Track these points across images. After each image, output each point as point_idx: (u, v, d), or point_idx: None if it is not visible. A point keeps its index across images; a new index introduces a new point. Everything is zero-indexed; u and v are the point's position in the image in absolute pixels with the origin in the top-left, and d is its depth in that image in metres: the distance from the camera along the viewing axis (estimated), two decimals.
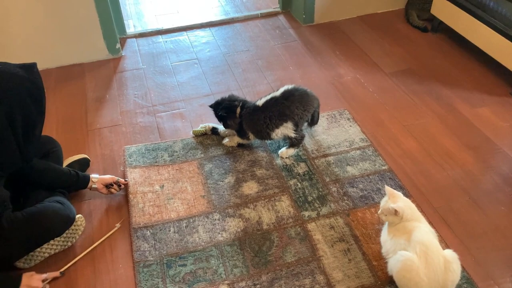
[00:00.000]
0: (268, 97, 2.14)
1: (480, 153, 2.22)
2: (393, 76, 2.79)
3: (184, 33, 3.32)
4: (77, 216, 1.87)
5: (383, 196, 2.00)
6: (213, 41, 3.21)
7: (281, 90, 2.14)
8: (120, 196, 2.07)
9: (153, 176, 2.14)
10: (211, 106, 2.26)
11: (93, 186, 1.97)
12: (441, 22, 3.08)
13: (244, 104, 2.18)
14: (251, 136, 2.20)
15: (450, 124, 2.40)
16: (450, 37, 3.10)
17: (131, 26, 3.41)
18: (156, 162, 2.21)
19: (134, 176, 2.12)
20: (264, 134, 2.15)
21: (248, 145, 2.31)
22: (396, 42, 3.11)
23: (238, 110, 2.16)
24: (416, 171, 2.14)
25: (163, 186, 2.10)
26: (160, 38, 3.26)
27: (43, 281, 1.67)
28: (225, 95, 2.27)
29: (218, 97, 2.21)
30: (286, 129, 2.13)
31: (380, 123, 2.44)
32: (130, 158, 2.22)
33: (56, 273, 1.73)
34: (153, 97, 2.70)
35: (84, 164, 2.17)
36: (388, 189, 1.68)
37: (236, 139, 2.27)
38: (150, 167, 2.18)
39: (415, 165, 2.18)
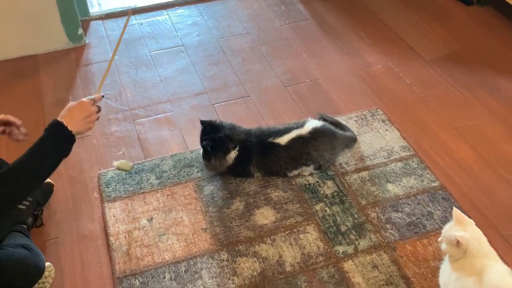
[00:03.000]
0: (293, 134, 2.11)
1: None
2: (435, 64, 2.72)
3: (164, 12, 3.22)
4: (45, 264, 1.78)
5: (436, 223, 1.95)
6: (201, 22, 3.11)
7: (308, 127, 2.11)
8: (99, 236, 1.97)
9: (138, 208, 2.05)
10: (202, 123, 2.15)
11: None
12: None
13: (243, 145, 2.10)
14: (256, 173, 2.16)
15: None
16: (501, 10, 3.04)
17: (96, 5, 3.32)
18: (141, 188, 2.13)
19: (114, 212, 2.04)
20: (279, 173, 2.16)
21: None
22: (436, 19, 3.05)
23: (232, 155, 2.09)
24: (475, 188, 2.08)
25: (151, 219, 2.01)
26: (134, 20, 3.15)
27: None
28: (236, 123, 2.19)
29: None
30: (305, 172, 2.16)
31: (424, 125, 2.37)
32: (107, 187, 2.13)
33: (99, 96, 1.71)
34: (129, 97, 2.59)
35: (46, 191, 2.07)
36: (456, 212, 1.61)
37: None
38: (133, 196, 2.09)
39: (473, 180, 2.12)
